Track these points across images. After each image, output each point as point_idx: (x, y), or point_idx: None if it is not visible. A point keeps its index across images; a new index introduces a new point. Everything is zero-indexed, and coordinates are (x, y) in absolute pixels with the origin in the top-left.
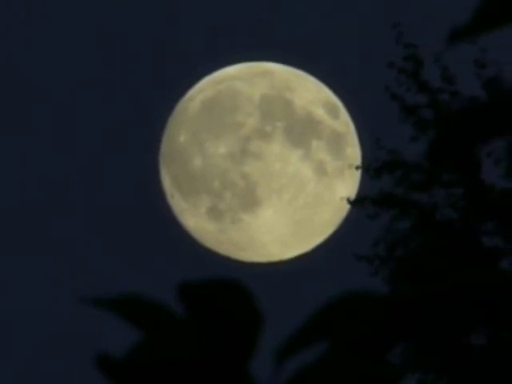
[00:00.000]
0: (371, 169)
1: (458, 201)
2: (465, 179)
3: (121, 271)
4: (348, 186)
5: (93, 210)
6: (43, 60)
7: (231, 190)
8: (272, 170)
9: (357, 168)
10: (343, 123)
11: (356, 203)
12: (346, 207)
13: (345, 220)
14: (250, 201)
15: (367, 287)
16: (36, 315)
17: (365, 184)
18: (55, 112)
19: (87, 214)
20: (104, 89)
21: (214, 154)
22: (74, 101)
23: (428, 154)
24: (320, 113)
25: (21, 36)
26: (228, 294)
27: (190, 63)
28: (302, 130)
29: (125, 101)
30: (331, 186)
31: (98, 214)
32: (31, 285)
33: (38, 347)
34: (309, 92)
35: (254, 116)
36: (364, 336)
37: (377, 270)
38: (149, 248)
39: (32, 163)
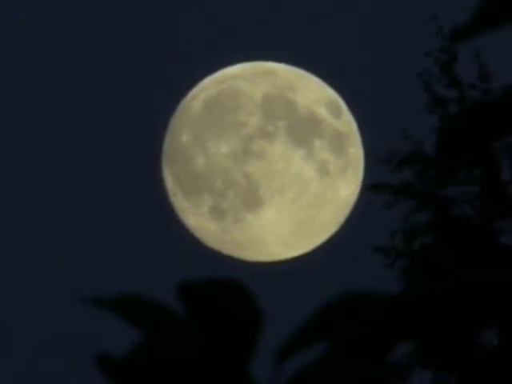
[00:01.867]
0: (393, 162)
1: (474, 198)
2: (482, 176)
3: (121, 271)
4: (351, 185)
5: (93, 210)
6: (43, 60)
7: (234, 190)
8: (274, 169)
9: (377, 160)
10: (346, 123)
11: (374, 189)
12: (349, 207)
13: (347, 220)
14: (252, 200)
15: (367, 287)
16: (36, 315)
17: (368, 184)
18: (55, 112)
19: (87, 214)
20: (105, 88)
21: (216, 153)
22: (74, 101)
23: (437, 145)
24: (322, 112)
25: (21, 36)
26: (228, 293)
27: (193, 62)
28: (304, 130)
29: (127, 100)
30: (333, 185)
31: (98, 214)
32: (31, 285)
33: (37, 347)
34: (311, 91)
35: (257, 115)
36: (364, 336)
37: (393, 262)
38: (150, 248)
39: (32, 163)
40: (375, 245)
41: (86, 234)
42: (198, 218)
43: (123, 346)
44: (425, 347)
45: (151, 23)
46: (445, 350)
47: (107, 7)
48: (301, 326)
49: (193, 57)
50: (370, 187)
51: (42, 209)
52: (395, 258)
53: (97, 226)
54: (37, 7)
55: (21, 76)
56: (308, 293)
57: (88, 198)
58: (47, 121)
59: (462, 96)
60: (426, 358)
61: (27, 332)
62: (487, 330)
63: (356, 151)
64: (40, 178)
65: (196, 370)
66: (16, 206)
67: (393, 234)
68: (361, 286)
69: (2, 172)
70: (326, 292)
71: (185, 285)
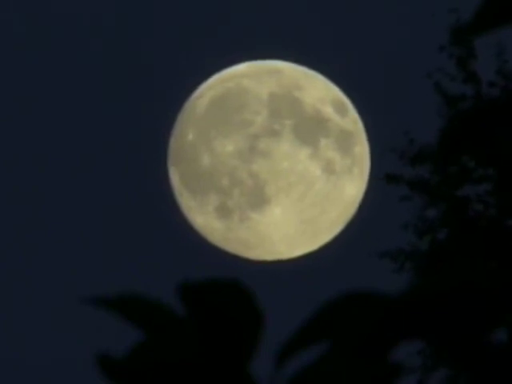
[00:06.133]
0: (405, 156)
1: (489, 196)
2: (496, 174)
3: (125, 271)
4: (356, 184)
5: (98, 209)
6: (44, 59)
7: (239, 188)
8: (280, 168)
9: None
10: (351, 121)
11: (392, 180)
12: (355, 206)
13: (353, 219)
14: (258, 199)
15: (368, 287)
16: (35, 315)
17: (373, 183)
18: (57, 111)
19: (92, 214)
20: (110, 87)
21: (222, 152)
22: (78, 100)
23: (439, 147)
24: (328, 111)
25: (20, 36)
26: (229, 294)
27: (198, 61)
28: (310, 129)
29: (132, 99)
30: (339, 184)
31: (103, 214)
32: (31, 285)
33: (37, 347)
34: (317, 90)
35: (262, 114)
36: (364, 336)
37: (401, 266)
38: (156, 247)
39: (34, 162)
40: (380, 250)
41: (89, 233)
42: (204, 217)
43: (123, 345)
44: (429, 347)
45: (156, 22)
46: (447, 349)
47: (112, 5)
48: (301, 325)
49: (198, 56)
50: (386, 177)
51: (43, 209)
52: (404, 261)
53: (101, 226)
54: (37, 7)
55: (21, 75)
56: (311, 292)
57: (93, 197)
58: (49, 119)
59: (479, 93)
60: (434, 357)
61: (27, 331)
62: (492, 329)
63: (362, 150)
64: (42, 178)
65: (196, 370)
66: (16, 205)
67: (404, 227)
68: (364, 285)
69: (1, 172)
70: (331, 291)
71: (186, 285)
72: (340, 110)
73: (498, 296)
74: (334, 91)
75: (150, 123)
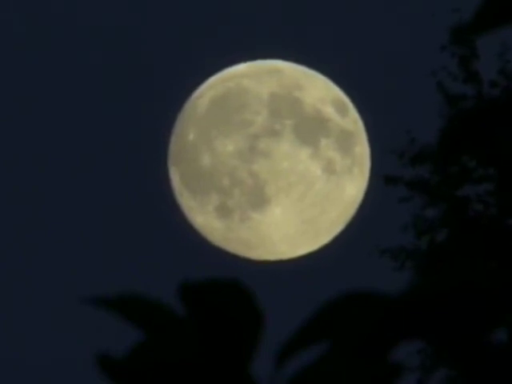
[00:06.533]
0: (405, 157)
1: (489, 196)
2: (496, 174)
3: (127, 271)
4: (357, 184)
5: (98, 209)
6: (43, 59)
7: (240, 188)
8: (280, 168)
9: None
10: (352, 121)
11: (390, 181)
12: (355, 206)
13: (353, 219)
14: (258, 199)
15: (368, 287)
16: (35, 315)
17: (373, 183)
18: (59, 111)
19: (93, 214)
20: (111, 87)
21: (222, 152)
22: (81, 100)
23: (439, 147)
24: (329, 111)
25: (20, 36)
26: (229, 294)
27: (199, 61)
28: (310, 128)
29: (133, 99)
30: (340, 184)
31: (104, 214)
32: (31, 285)
33: (37, 347)
34: (317, 90)
35: (263, 114)
36: (364, 336)
37: (402, 264)
38: (156, 246)
39: (34, 162)
40: (382, 247)
41: (89, 233)
42: (204, 217)
43: (123, 345)
44: (429, 347)
45: (156, 22)
46: (447, 349)
47: (112, 5)
48: (301, 325)
49: (198, 56)
50: (384, 179)
51: (43, 209)
52: (404, 260)
53: (101, 226)
54: (38, 7)
55: (21, 75)
56: (311, 292)
57: (93, 197)
58: (49, 119)
59: (480, 93)
60: (434, 357)
61: (27, 331)
62: (492, 329)
63: (362, 150)
64: (42, 178)
65: (196, 370)
66: (16, 205)
67: (403, 228)
68: (364, 285)
69: (2, 171)
70: (331, 291)
71: (186, 285)
72: (340, 109)
73: (497, 296)
74: (335, 91)
75: (149, 123)
